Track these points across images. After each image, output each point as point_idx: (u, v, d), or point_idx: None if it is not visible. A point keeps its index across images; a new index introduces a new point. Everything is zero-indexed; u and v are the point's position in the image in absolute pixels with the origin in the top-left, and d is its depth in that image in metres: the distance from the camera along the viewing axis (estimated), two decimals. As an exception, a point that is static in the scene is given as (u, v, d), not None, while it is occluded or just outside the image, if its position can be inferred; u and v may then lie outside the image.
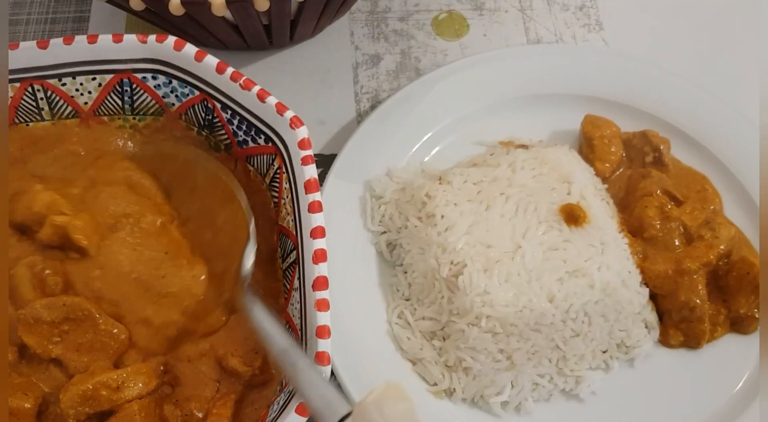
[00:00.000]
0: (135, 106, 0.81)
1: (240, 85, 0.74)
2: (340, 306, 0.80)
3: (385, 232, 0.88)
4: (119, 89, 0.79)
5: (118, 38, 0.76)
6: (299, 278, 0.69)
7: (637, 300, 0.83)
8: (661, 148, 0.93)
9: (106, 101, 0.80)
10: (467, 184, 0.86)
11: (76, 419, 0.65)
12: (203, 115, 0.79)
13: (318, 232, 0.68)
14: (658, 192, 0.89)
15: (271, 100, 0.74)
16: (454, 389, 0.80)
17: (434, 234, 0.82)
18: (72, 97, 0.79)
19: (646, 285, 0.85)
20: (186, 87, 0.78)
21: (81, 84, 0.79)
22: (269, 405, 0.67)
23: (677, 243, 0.87)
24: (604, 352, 0.83)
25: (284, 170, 0.74)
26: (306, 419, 0.60)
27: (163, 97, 0.80)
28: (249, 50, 1.03)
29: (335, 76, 1.04)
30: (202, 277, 0.72)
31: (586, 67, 1.00)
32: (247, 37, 0.96)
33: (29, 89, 0.78)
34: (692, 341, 0.84)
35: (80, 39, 0.76)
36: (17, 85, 0.78)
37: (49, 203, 0.72)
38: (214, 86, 0.76)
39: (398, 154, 0.93)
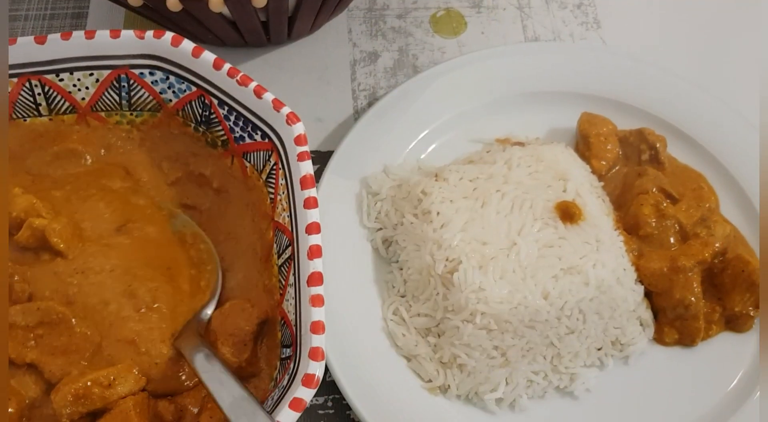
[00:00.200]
0: (132, 101, 0.81)
1: (237, 81, 0.74)
2: (336, 303, 0.81)
3: (381, 229, 0.89)
4: (117, 85, 0.79)
5: (115, 34, 0.76)
6: (294, 274, 0.69)
7: (632, 298, 0.83)
8: (657, 145, 0.93)
9: (104, 97, 0.80)
10: (463, 181, 0.86)
11: (70, 419, 0.65)
12: (200, 111, 0.79)
13: (313, 228, 0.68)
14: (654, 190, 0.89)
15: (268, 97, 0.74)
16: (449, 386, 0.80)
17: (430, 230, 0.82)
18: (69, 92, 0.79)
19: (641, 282, 0.85)
20: (183, 83, 0.78)
21: (78, 79, 0.79)
22: (263, 401, 0.67)
23: (672, 241, 0.87)
24: (599, 350, 0.83)
25: (280, 166, 0.74)
26: (300, 414, 0.60)
27: (161, 93, 0.80)
28: (246, 47, 1.03)
29: (333, 73, 1.04)
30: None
31: (583, 65, 1.00)
32: (245, 34, 0.96)
33: (27, 84, 0.78)
34: (687, 339, 0.85)
35: (78, 35, 0.76)
36: (15, 80, 0.78)
37: (27, 207, 0.72)
38: (211, 82, 0.77)
39: (395, 151, 0.94)
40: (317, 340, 0.63)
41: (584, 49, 1.05)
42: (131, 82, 0.79)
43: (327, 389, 0.81)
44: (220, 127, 0.79)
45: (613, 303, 0.81)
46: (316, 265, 0.66)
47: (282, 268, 0.73)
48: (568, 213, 0.82)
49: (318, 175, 0.88)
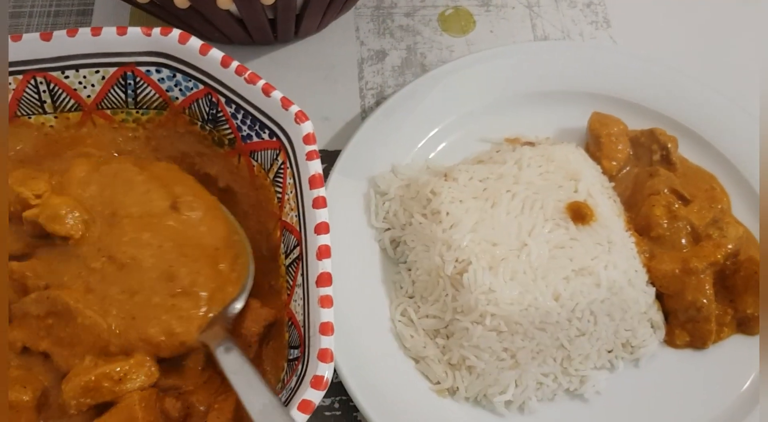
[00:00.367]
0: (138, 99, 0.80)
1: (245, 79, 0.74)
2: (343, 304, 0.80)
3: (389, 229, 0.88)
4: (123, 82, 0.79)
5: (122, 31, 0.76)
6: (302, 274, 0.68)
7: (644, 300, 0.83)
8: (669, 146, 0.92)
9: (110, 94, 0.79)
10: (473, 181, 0.85)
11: (78, 409, 0.64)
12: (207, 109, 0.79)
13: (322, 228, 0.67)
14: (666, 190, 0.89)
15: (276, 95, 0.73)
16: (457, 387, 0.79)
17: (439, 231, 0.82)
18: (75, 90, 0.79)
19: (653, 284, 0.84)
20: (190, 81, 0.77)
21: (84, 77, 0.78)
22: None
23: (684, 243, 0.86)
24: (609, 352, 0.82)
25: (288, 165, 0.73)
26: (309, 416, 0.59)
27: (167, 90, 0.79)
28: (253, 45, 1.03)
29: (340, 72, 1.03)
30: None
31: (593, 65, 1.00)
32: (252, 32, 0.96)
33: (32, 82, 0.77)
34: (698, 341, 0.84)
35: (84, 31, 0.75)
36: (20, 77, 0.77)
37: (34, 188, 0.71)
38: (218, 80, 0.76)
39: (403, 150, 0.93)
40: (326, 342, 0.62)
41: (594, 49, 1.04)
42: (137, 79, 0.78)
43: (334, 390, 0.81)
44: (227, 126, 0.79)
45: (624, 305, 0.80)
46: (325, 266, 0.66)
47: (289, 268, 0.72)
48: (579, 213, 0.81)
49: (325, 174, 0.87)
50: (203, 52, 0.74)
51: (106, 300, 0.67)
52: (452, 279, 0.79)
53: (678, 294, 0.83)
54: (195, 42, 0.75)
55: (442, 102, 0.96)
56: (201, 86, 0.77)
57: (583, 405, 0.81)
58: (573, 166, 0.86)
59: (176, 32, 0.75)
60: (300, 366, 0.65)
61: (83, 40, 0.76)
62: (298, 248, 0.70)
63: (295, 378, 0.65)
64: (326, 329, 0.63)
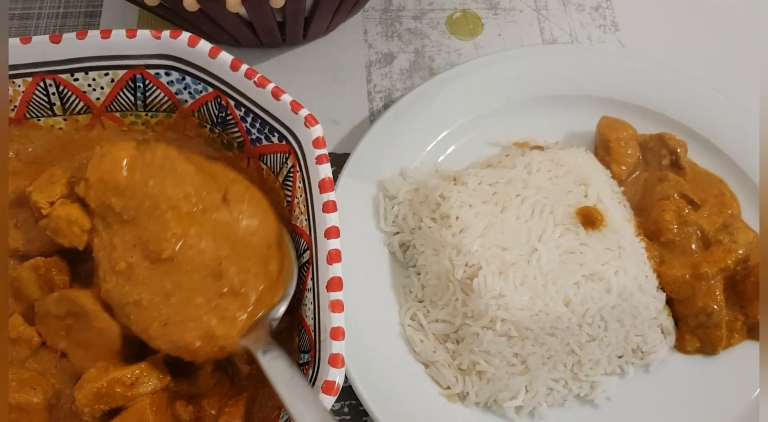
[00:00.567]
0: (147, 102, 0.80)
1: (254, 82, 0.73)
2: (353, 308, 0.79)
3: (398, 233, 0.87)
4: (132, 85, 0.78)
5: (131, 34, 0.75)
6: (313, 278, 0.68)
7: (654, 305, 0.82)
8: (678, 150, 0.92)
9: (119, 97, 0.79)
10: (482, 185, 0.85)
11: (92, 416, 0.64)
12: (216, 112, 0.78)
13: (332, 232, 0.67)
14: (675, 195, 0.88)
15: (286, 98, 0.73)
16: (468, 393, 0.79)
17: (449, 235, 0.81)
18: (84, 92, 0.78)
19: (663, 290, 0.84)
20: (199, 84, 0.77)
21: (93, 79, 0.78)
22: (281, 407, 0.66)
23: (694, 248, 0.86)
24: (620, 357, 0.82)
25: (298, 169, 0.73)
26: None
27: (176, 93, 0.79)
28: (261, 47, 1.02)
29: (348, 75, 1.03)
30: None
31: (601, 69, 0.99)
32: (261, 34, 0.95)
33: (41, 84, 0.77)
34: (708, 347, 0.83)
35: (93, 34, 0.75)
36: (29, 79, 0.77)
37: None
38: (228, 83, 0.75)
39: (412, 154, 0.93)
40: (337, 346, 0.62)
41: (602, 52, 1.04)
42: (147, 82, 0.78)
43: (343, 395, 0.80)
44: (236, 129, 0.78)
45: (634, 311, 0.80)
46: (336, 270, 0.65)
47: (299, 273, 0.72)
48: (590, 218, 0.81)
49: (333, 177, 0.86)
50: (213, 55, 0.74)
51: (127, 306, 0.65)
52: (462, 283, 0.79)
53: (688, 300, 0.82)
54: (204, 45, 0.75)
55: (451, 105, 0.95)
56: (210, 89, 0.77)
57: (593, 410, 0.81)
58: (582, 171, 0.86)
59: (185, 35, 0.75)
60: (311, 371, 0.65)
61: (92, 43, 0.75)
62: (308, 252, 0.70)
63: (305, 383, 0.65)
64: (337, 334, 0.62)
